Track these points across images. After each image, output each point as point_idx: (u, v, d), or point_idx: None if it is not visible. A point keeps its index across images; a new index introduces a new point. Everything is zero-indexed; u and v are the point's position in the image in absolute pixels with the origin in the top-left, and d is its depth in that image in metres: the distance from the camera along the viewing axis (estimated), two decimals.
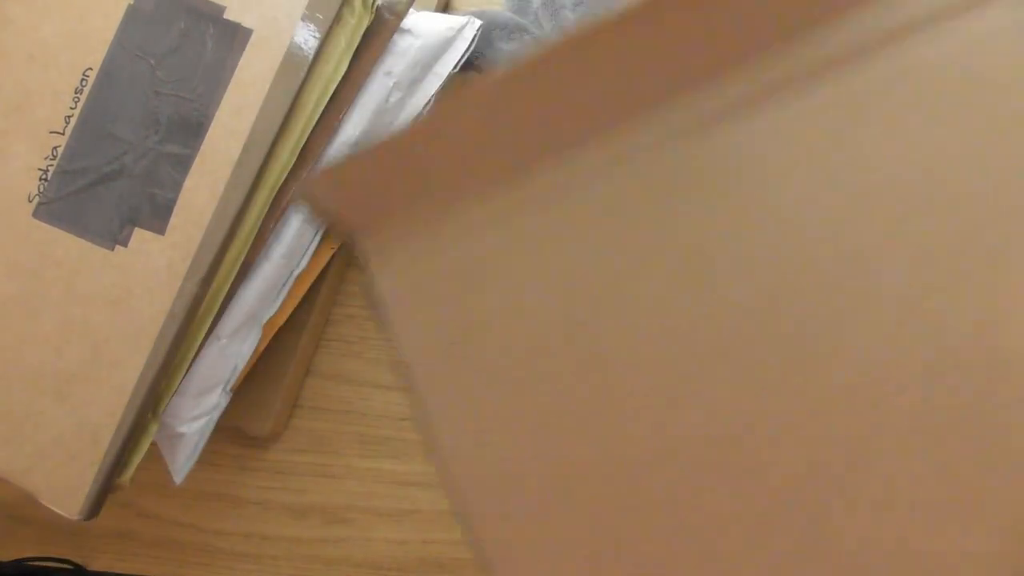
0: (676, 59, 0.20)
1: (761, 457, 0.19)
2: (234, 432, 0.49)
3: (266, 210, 0.37)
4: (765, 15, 0.19)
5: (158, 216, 0.36)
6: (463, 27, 0.42)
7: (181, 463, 0.41)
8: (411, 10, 0.40)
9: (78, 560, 0.51)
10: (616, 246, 0.21)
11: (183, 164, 0.36)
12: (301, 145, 0.37)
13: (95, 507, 0.36)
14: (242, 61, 0.36)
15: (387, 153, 0.22)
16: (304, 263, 0.41)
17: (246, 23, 0.36)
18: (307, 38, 0.36)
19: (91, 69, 0.37)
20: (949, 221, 0.19)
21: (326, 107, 0.37)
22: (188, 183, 0.36)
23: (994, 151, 0.19)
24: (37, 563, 0.51)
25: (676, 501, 0.20)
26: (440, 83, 0.41)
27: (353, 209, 0.23)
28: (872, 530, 0.19)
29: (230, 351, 0.40)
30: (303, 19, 0.36)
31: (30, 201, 0.36)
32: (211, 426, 0.41)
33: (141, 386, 0.36)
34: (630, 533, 0.20)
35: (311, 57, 0.36)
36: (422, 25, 0.41)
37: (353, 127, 0.39)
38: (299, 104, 0.36)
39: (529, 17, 0.46)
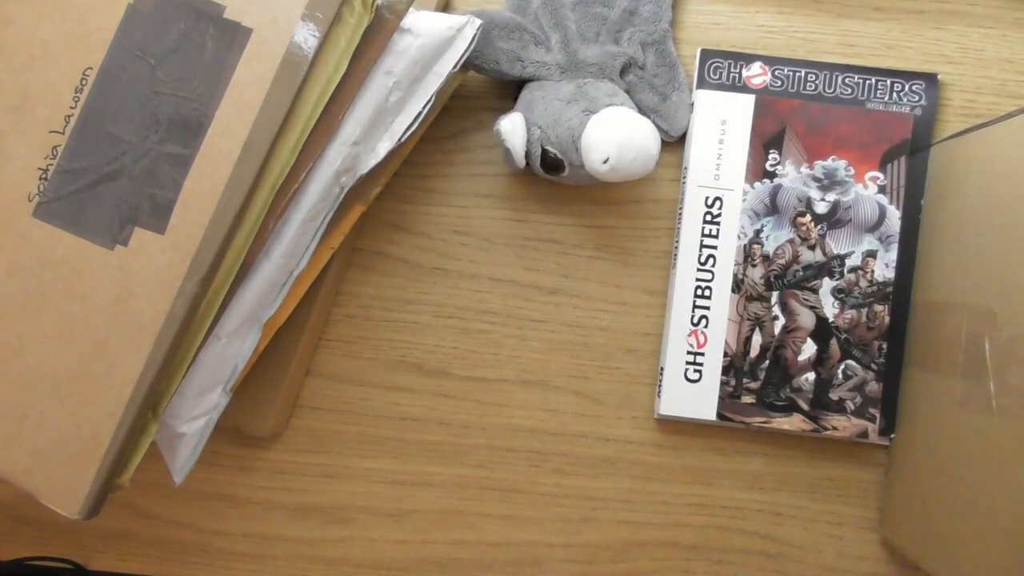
0: None
1: None
2: (234, 432, 0.49)
3: (266, 210, 0.37)
4: None
5: (158, 216, 0.36)
6: (463, 27, 0.41)
7: (181, 463, 0.41)
8: (411, 9, 0.40)
9: (78, 560, 0.51)
10: None
11: (183, 164, 0.36)
12: (301, 145, 0.37)
13: (95, 507, 0.36)
14: (242, 61, 0.36)
15: None
16: (304, 263, 0.41)
17: (246, 23, 0.36)
18: (307, 38, 0.36)
19: (91, 69, 0.37)
20: None
21: (326, 107, 0.37)
22: (188, 183, 0.36)
23: None
24: (37, 563, 0.51)
25: None
26: (440, 82, 0.41)
27: None
28: None
29: (230, 351, 0.40)
30: (303, 19, 0.36)
31: (30, 201, 0.36)
32: (211, 426, 0.41)
33: (141, 386, 0.35)
34: None
35: (311, 57, 0.36)
36: (422, 24, 0.40)
37: (353, 126, 0.39)
38: (299, 104, 0.36)
39: (529, 17, 0.46)
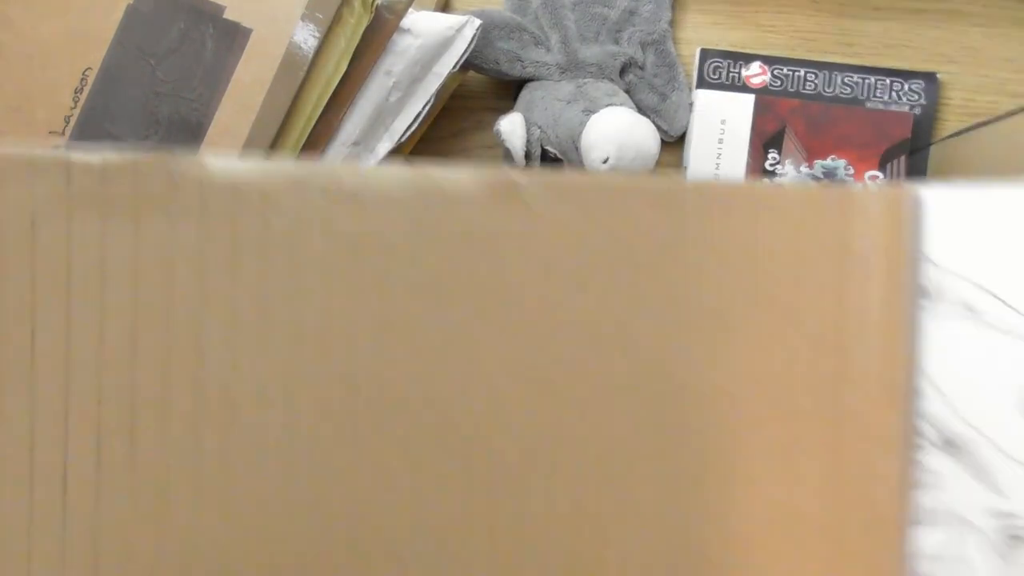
0: None
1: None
2: None
3: None
4: None
5: None
6: (463, 27, 0.42)
7: None
8: (411, 10, 0.40)
9: None
10: None
11: None
12: (301, 145, 0.37)
13: None
14: (242, 61, 0.36)
15: None
16: None
17: (246, 23, 0.36)
18: (307, 38, 0.36)
19: (91, 69, 0.37)
20: None
21: (326, 107, 0.37)
22: None
23: None
24: None
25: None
26: (440, 82, 0.41)
27: None
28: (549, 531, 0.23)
29: None
30: (303, 19, 0.36)
31: None
32: None
33: None
34: None
35: (311, 57, 0.36)
36: (421, 25, 0.41)
37: (353, 127, 0.39)
38: (299, 104, 0.36)
39: (529, 17, 0.46)
